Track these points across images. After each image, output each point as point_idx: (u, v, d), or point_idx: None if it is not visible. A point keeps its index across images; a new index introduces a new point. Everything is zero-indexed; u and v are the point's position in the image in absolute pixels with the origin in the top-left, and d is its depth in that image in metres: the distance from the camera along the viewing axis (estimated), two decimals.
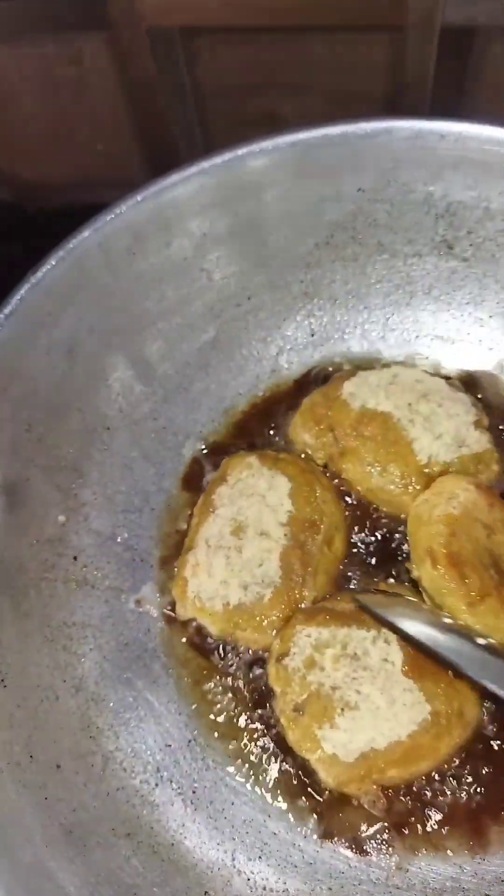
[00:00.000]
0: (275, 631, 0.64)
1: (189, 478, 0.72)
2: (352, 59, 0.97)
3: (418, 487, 0.67)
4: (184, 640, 0.66)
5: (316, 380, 0.75)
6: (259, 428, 0.74)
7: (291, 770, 0.61)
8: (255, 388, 0.75)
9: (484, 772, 0.60)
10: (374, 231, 0.70)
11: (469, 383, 0.73)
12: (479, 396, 0.72)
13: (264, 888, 0.57)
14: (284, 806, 0.61)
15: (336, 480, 0.70)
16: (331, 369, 0.75)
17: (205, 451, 0.73)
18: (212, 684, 0.64)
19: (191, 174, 0.62)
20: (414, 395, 0.70)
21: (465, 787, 0.60)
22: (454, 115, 1.00)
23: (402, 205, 0.69)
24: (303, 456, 0.72)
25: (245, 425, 0.74)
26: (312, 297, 0.74)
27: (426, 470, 0.67)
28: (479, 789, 0.60)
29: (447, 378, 0.72)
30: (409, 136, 0.66)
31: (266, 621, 0.63)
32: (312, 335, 0.75)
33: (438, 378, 0.71)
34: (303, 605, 0.64)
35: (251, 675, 0.64)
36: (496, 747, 0.60)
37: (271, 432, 0.74)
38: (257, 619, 0.63)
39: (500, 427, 0.72)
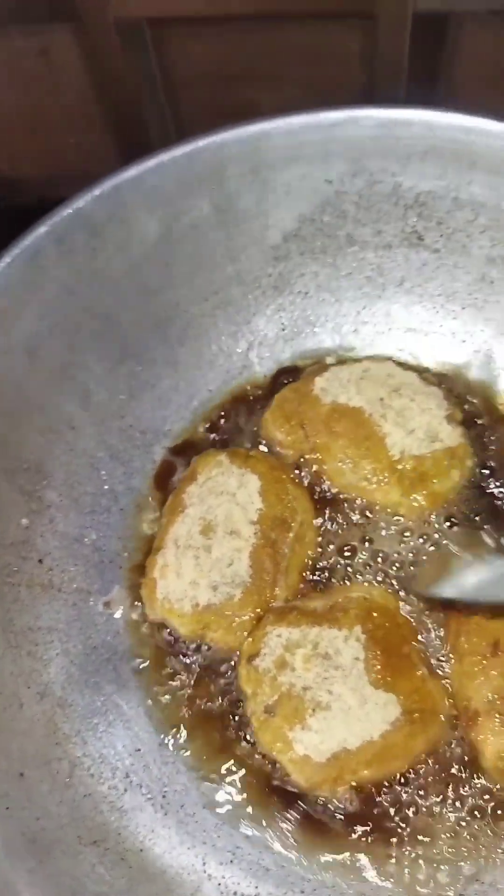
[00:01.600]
0: (246, 632, 0.63)
1: (160, 477, 0.71)
2: (326, 49, 0.95)
3: (390, 482, 0.66)
4: (153, 642, 0.65)
5: (288, 375, 0.74)
6: (231, 425, 0.73)
7: (263, 772, 0.60)
8: (226, 384, 0.74)
9: (455, 769, 0.59)
10: (342, 223, 0.69)
11: (441, 376, 0.72)
12: (451, 389, 0.71)
13: (235, 893, 0.56)
14: (257, 809, 0.60)
15: (308, 477, 0.69)
16: (303, 364, 0.74)
17: (175, 450, 0.72)
18: (182, 687, 0.63)
19: (150, 167, 0.61)
20: (386, 389, 0.69)
21: (438, 786, 0.59)
22: (429, 104, 0.99)
23: (370, 196, 0.68)
24: (276, 451, 0.71)
25: (216, 423, 0.73)
26: (282, 290, 0.73)
27: (399, 466, 0.67)
28: (451, 787, 0.59)
29: (420, 371, 0.71)
30: (375, 124, 0.64)
31: (236, 622, 0.63)
32: (283, 329, 0.74)
33: (410, 372, 0.70)
34: (274, 604, 0.63)
35: (222, 676, 0.63)
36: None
37: (243, 429, 0.72)
38: (227, 619, 0.63)
39: (477, 421, 0.71)
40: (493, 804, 0.58)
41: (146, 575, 0.65)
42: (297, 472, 0.69)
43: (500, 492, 0.68)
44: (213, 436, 0.73)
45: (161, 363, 0.71)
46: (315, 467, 0.69)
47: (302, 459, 0.70)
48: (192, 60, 0.98)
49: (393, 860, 0.58)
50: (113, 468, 0.68)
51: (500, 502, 0.67)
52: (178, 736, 0.62)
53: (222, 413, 0.73)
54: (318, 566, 0.66)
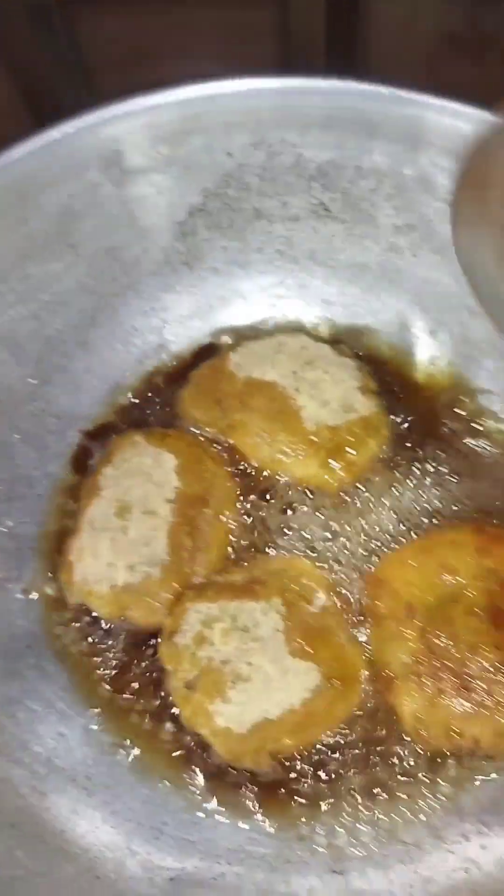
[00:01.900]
0: (166, 609, 0.63)
1: (77, 461, 0.70)
2: (239, 23, 0.94)
3: (307, 455, 0.67)
4: (75, 625, 0.64)
5: (205, 352, 0.74)
6: (149, 405, 0.72)
7: (187, 747, 0.61)
8: (142, 363, 0.73)
9: (377, 733, 0.60)
10: (247, 196, 0.69)
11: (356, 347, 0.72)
12: (365, 360, 0.71)
13: (160, 867, 0.57)
14: (183, 784, 0.60)
15: (227, 454, 0.69)
16: (219, 341, 0.74)
17: (93, 433, 0.71)
18: (105, 668, 0.63)
19: (40, 145, 0.60)
20: (299, 362, 0.69)
21: (360, 751, 0.60)
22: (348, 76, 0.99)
23: (272, 168, 0.67)
24: (195, 429, 0.70)
25: (134, 403, 0.72)
26: (193, 266, 0.72)
27: (314, 438, 0.67)
28: (372, 751, 0.60)
29: (334, 343, 0.72)
30: (272, 94, 0.64)
31: (155, 600, 0.63)
32: (198, 306, 0.74)
33: (324, 344, 0.71)
34: (194, 581, 0.63)
35: (145, 655, 0.63)
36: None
37: (162, 409, 0.72)
38: (146, 598, 0.62)
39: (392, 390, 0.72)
40: (413, 765, 0.59)
41: (63, 559, 0.65)
42: (215, 449, 0.69)
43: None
44: (130, 417, 0.72)
45: (72, 344, 0.70)
46: (233, 443, 0.69)
47: (220, 436, 0.69)
48: (106, 39, 0.96)
49: (316, 826, 0.58)
50: (27, 454, 0.67)
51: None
52: (103, 717, 0.62)
53: (139, 393, 0.73)
54: (239, 541, 0.66)
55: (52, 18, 0.92)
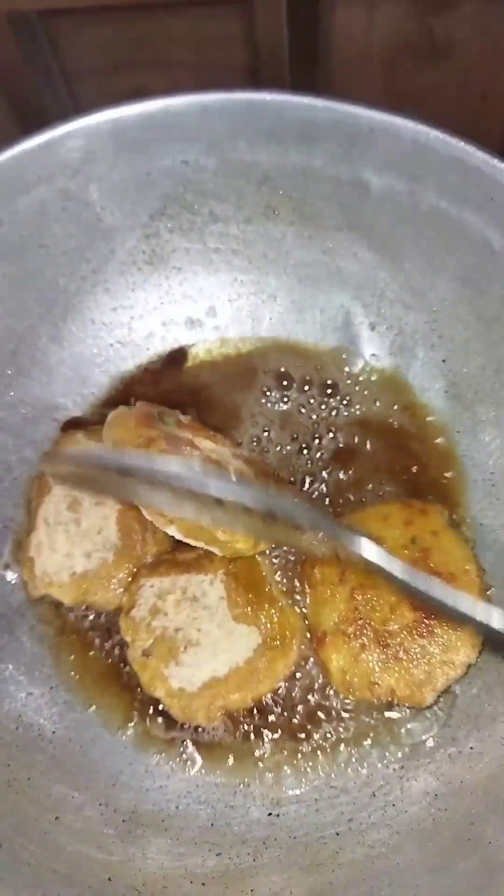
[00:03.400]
0: (123, 588, 0.68)
1: None
2: (209, 34, 1.00)
3: None
4: (45, 600, 0.70)
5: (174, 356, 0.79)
6: (119, 398, 0.78)
7: (145, 708, 0.67)
8: (112, 356, 0.79)
9: (316, 689, 0.66)
10: (204, 200, 0.74)
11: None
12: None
13: (115, 810, 0.63)
14: (140, 740, 0.66)
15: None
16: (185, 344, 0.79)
17: (69, 423, 0.76)
18: (72, 641, 0.69)
19: (14, 154, 0.65)
20: None
21: (295, 704, 0.66)
22: (310, 83, 1.04)
23: (224, 174, 0.72)
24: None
25: (107, 396, 0.78)
26: (157, 266, 0.78)
27: None
28: (304, 705, 0.65)
29: None
30: (222, 107, 0.69)
31: (113, 582, 0.68)
32: (162, 303, 0.79)
33: None
34: (147, 560, 0.69)
35: (108, 632, 0.69)
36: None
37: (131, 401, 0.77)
38: (104, 581, 0.68)
39: None
40: (341, 716, 0.65)
41: (23, 555, 0.70)
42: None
43: None
44: (103, 409, 0.77)
45: (46, 339, 0.75)
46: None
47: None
48: (85, 50, 1.02)
49: (256, 773, 0.64)
50: (4, 441, 0.73)
51: None
52: (69, 680, 0.68)
53: (111, 386, 0.78)
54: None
55: (34, 30, 0.97)
